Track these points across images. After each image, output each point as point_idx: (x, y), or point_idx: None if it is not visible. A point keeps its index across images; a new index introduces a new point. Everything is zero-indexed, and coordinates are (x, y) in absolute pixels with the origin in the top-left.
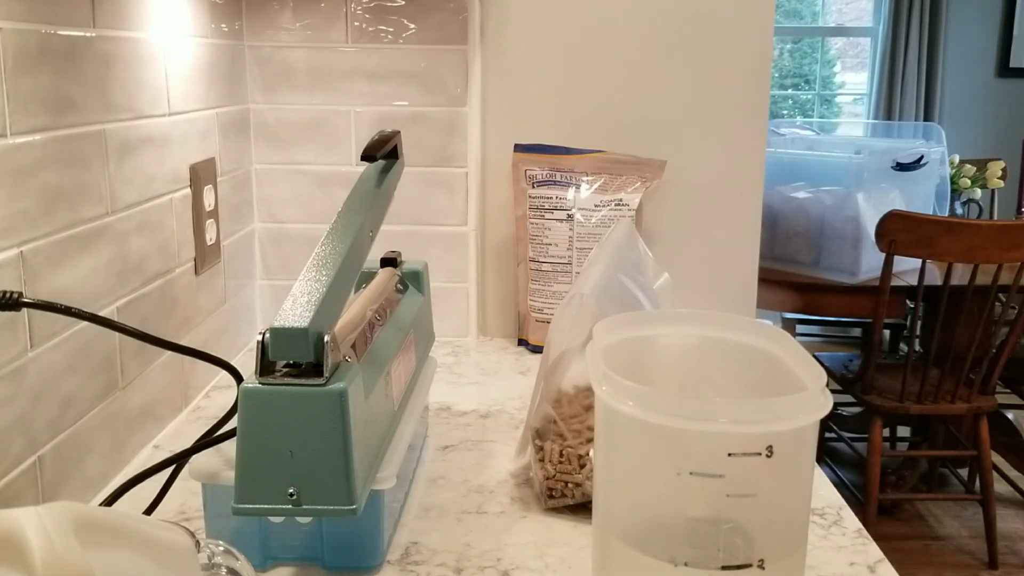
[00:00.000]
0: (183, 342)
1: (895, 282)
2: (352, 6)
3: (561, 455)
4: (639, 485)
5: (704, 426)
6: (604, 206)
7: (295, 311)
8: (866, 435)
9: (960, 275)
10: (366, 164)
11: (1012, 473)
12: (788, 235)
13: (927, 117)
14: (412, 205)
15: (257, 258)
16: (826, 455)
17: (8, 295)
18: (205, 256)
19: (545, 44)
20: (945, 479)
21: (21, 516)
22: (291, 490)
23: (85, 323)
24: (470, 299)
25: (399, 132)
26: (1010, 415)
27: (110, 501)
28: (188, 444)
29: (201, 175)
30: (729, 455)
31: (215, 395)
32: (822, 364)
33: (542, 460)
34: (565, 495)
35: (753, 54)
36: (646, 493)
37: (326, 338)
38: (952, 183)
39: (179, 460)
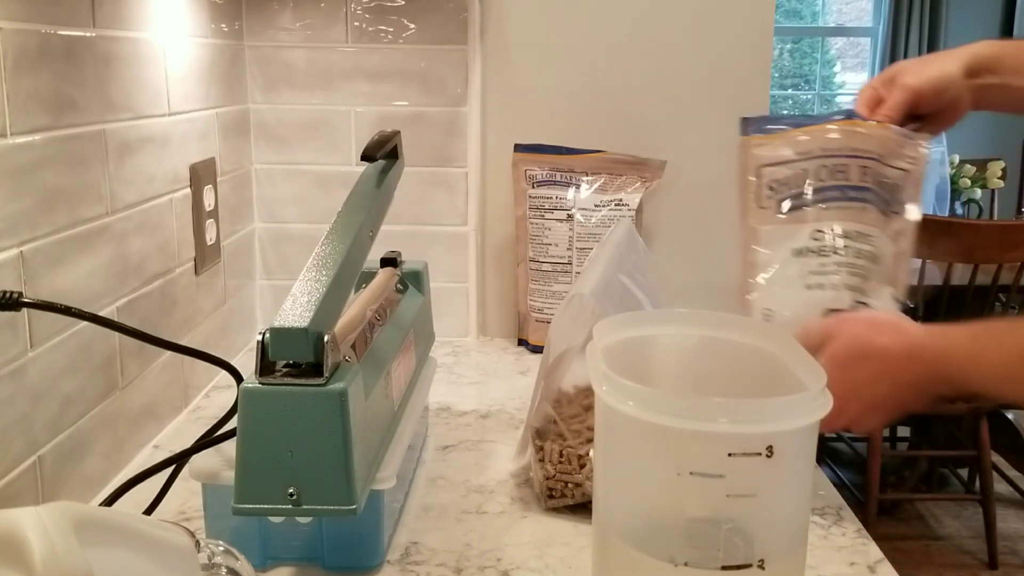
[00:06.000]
0: (183, 342)
1: None
2: (352, 6)
3: (561, 455)
4: (639, 485)
5: (704, 426)
6: (604, 206)
7: (295, 311)
8: (866, 435)
9: (960, 275)
10: (366, 164)
11: (1012, 473)
12: None
13: None
14: (412, 205)
15: (257, 258)
16: (826, 455)
17: (8, 295)
18: (205, 256)
19: (545, 44)
20: (945, 479)
21: (21, 516)
22: (291, 490)
23: (85, 323)
24: (470, 299)
25: (399, 132)
26: (1010, 415)
27: (110, 501)
28: (188, 444)
29: (201, 175)
30: (729, 455)
31: (215, 395)
32: None
33: (542, 460)
34: (565, 495)
35: (753, 54)
36: (646, 493)
37: (326, 338)
38: (952, 183)
39: (179, 460)
